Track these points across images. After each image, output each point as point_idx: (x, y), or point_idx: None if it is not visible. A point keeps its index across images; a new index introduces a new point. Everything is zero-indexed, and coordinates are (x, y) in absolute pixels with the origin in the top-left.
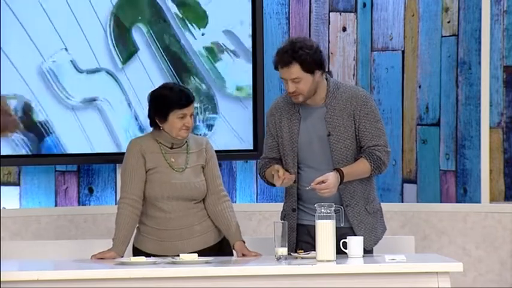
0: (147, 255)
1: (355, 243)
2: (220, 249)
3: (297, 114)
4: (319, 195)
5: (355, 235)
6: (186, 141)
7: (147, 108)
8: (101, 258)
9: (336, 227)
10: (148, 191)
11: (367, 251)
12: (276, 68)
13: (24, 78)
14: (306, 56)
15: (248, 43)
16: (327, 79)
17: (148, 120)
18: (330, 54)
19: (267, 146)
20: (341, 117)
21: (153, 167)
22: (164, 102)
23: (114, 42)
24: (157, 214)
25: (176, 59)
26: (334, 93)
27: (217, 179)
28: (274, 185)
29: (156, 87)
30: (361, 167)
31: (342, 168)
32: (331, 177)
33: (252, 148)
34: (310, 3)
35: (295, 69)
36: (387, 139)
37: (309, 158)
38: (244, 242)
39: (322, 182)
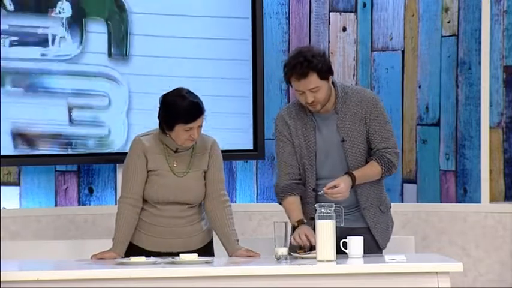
0: (138, 248)
1: (355, 243)
2: (207, 251)
3: (311, 122)
4: (331, 199)
5: (372, 235)
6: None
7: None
8: (101, 258)
9: (352, 228)
10: (147, 191)
11: (381, 250)
12: (288, 81)
13: None
14: (320, 63)
15: (248, 42)
16: (333, 84)
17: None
18: (330, 54)
19: (285, 153)
20: (353, 122)
21: (155, 168)
22: (172, 113)
23: None
24: (151, 210)
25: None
26: (343, 98)
27: (219, 183)
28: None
29: (170, 90)
30: (373, 170)
31: (353, 172)
32: (344, 182)
33: (252, 148)
34: (310, 3)
35: (313, 79)
36: (396, 140)
37: (326, 166)
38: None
39: (334, 186)
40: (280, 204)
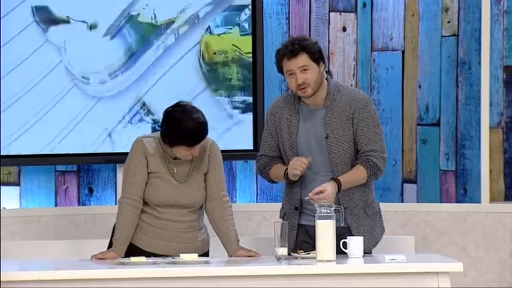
0: (138, 249)
1: (355, 243)
2: None
3: (296, 114)
4: (316, 204)
5: (353, 236)
6: None
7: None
8: (101, 259)
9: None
10: (147, 194)
11: (366, 253)
12: (280, 68)
13: None
14: (311, 45)
15: (248, 43)
16: (327, 80)
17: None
18: (330, 54)
19: (266, 144)
20: (340, 120)
21: (155, 171)
22: (176, 134)
23: None
24: (151, 212)
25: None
26: (334, 95)
27: (220, 184)
28: (275, 182)
29: (174, 104)
30: (358, 175)
31: (339, 178)
32: (329, 188)
33: (252, 148)
34: (310, 3)
35: (303, 58)
36: (385, 145)
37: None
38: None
39: (320, 192)
40: (268, 179)
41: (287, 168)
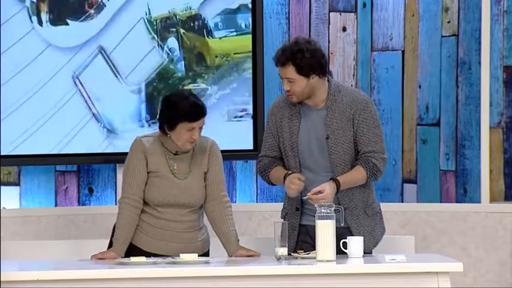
0: (138, 249)
1: (355, 243)
2: None
3: (298, 114)
4: (316, 204)
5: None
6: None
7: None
8: (101, 259)
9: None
10: (147, 194)
11: (366, 253)
12: (276, 65)
13: None
14: (302, 59)
15: (248, 42)
16: (328, 81)
17: (158, 123)
18: (330, 54)
19: (267, 144)
20: (340, 120)
21: (155, 170)
22: (175, 112)
23: None
24: (151, 212)
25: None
26: (335, 96)
27: (220, 184)
28: (274, 184)
29: (172, 92)
30: (357, 175)
31: (338, 178)
32: (328, 188)
33: (252, 148)
34: (310, 3)
35: (290, 70)
36: (385, 146)
37: (308, 159)
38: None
39: (319, 192)
40: (268, 182)
41: (286, 174)
